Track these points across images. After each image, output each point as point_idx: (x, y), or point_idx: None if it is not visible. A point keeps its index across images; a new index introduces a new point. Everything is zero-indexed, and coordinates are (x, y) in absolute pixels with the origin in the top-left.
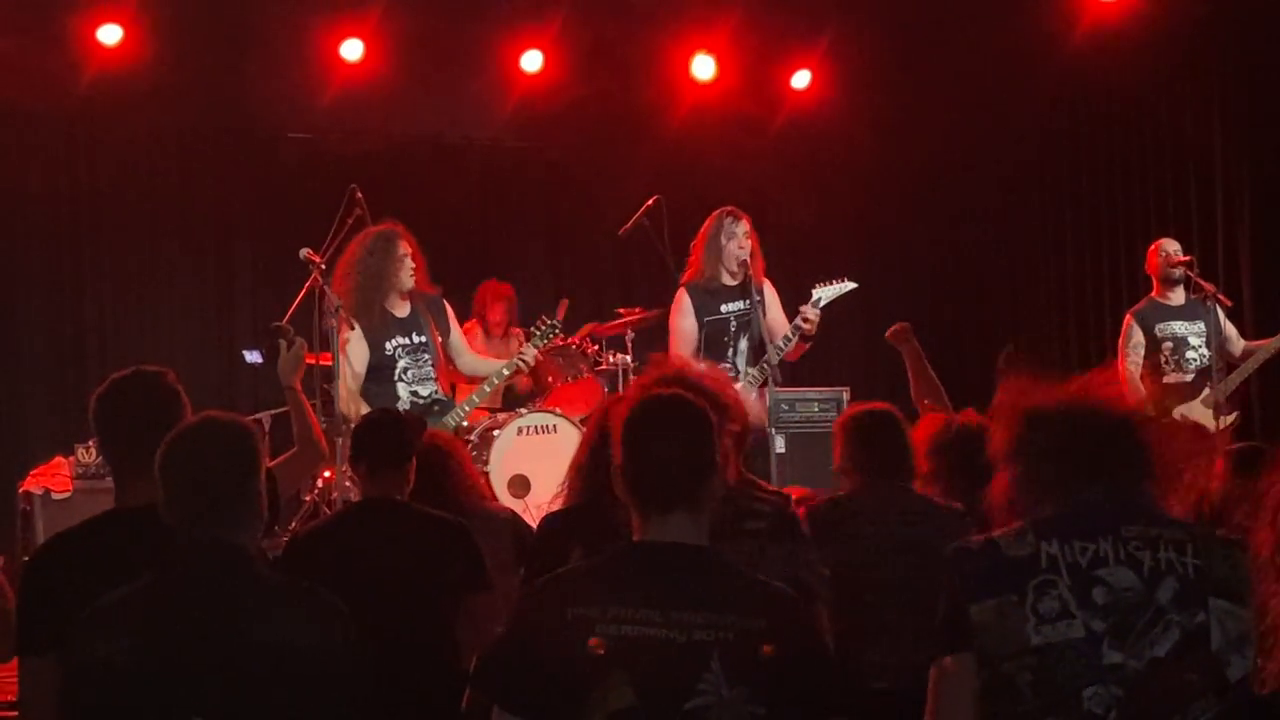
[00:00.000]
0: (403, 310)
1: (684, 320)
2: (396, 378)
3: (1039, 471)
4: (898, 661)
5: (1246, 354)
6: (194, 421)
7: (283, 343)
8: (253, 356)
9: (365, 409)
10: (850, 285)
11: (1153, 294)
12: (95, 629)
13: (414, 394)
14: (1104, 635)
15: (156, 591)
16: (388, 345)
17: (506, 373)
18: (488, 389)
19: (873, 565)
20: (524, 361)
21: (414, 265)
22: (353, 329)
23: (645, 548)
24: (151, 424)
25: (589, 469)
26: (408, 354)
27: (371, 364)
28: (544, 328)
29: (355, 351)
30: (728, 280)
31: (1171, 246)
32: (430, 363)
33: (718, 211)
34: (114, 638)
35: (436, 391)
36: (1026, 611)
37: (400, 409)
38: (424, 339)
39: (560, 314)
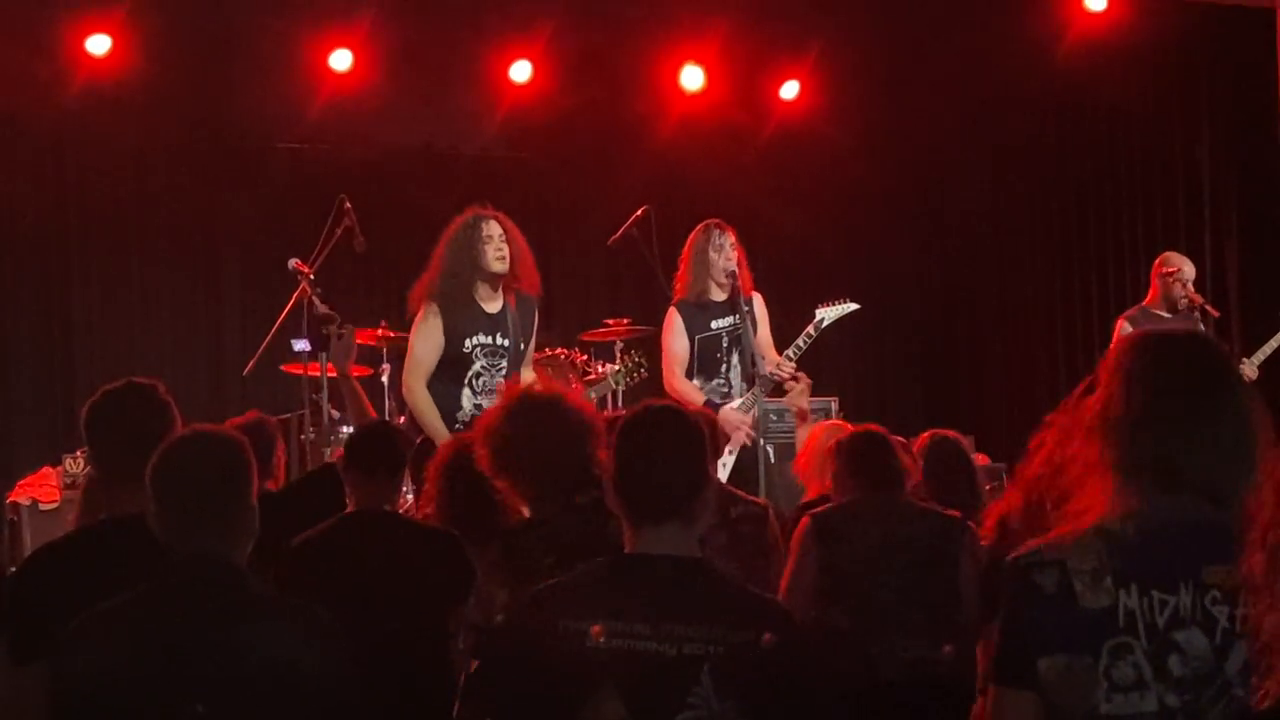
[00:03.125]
0: (493, 305)
1: (676, 341)
2: (467, 381)
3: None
4: (903, 655)
5: None
6: (186, 435)
7: (333, 330)
8: (300, 345)
9: (427, 405)
10: (853, 306)
11: (1145, 302)
12: (84, 639)
13: (478, 406)
14: (1177, 712)
15: (146, 604)
16: (467, 342)
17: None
18: None
19: (875, 563)
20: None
21: (504, 249)
22: (430, 314)
23: (638, 560)
24: (143, 434)
25: None
26: (486, 355)
27: (445, 357)
28: (630, 364)
29: (428, 338)
30: (717, 294)
31: (1189, 274)
32: (505, 372)
33: (703, 224)
34: (103, 649)
35: None
36: (1099, 676)
37: (461, 419)
38: (507, 342)
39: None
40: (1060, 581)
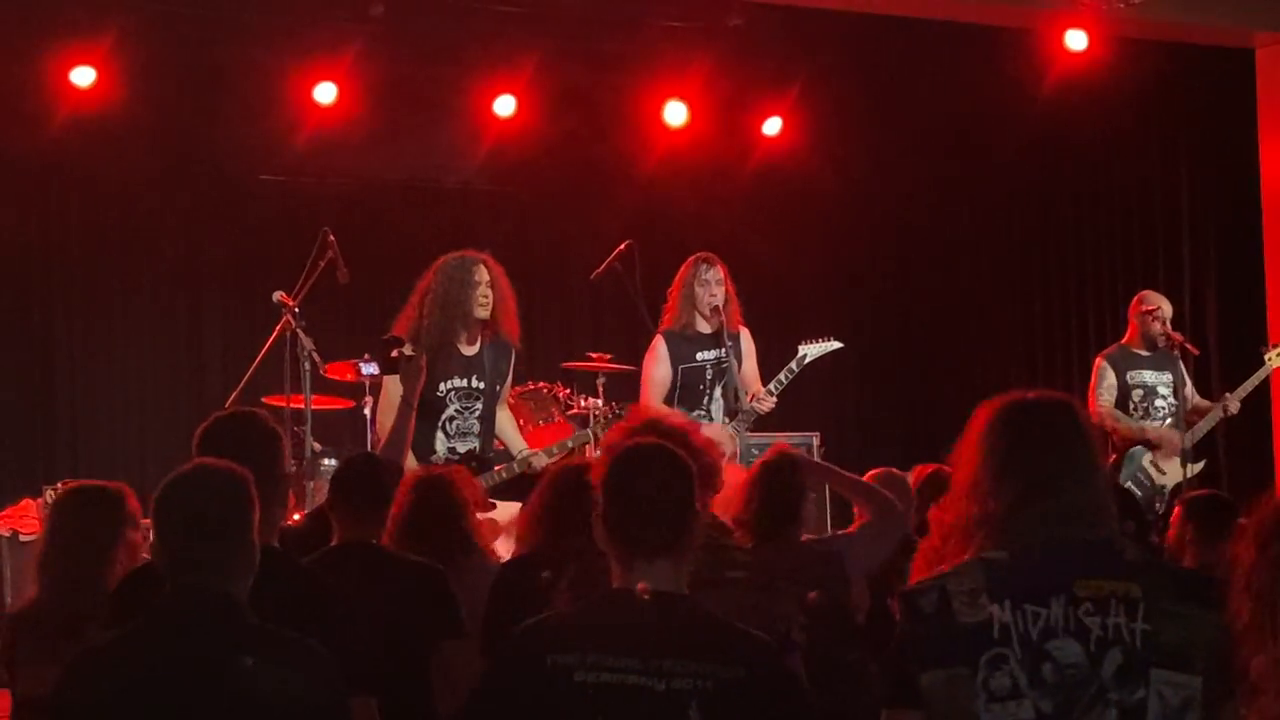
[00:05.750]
0: (470, 348)
1: (658, 368)
2: (440, 425)
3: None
4: None
5: (1194, 414)
6: (188, 469)
7: (401, 353)
8: (369, 369)
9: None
10: (836, 344)
11: (1124, 340)
12: (82, 673)
13: (451, 450)
14: (1052, 717)
15: (144, 638)
16: (442, 385)
17: (557, 453)
18: (536, 464)
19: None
20: (566, 449)
21: (489, 295)
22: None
23: (627, 595)
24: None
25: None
26: (460, 399)
27: (420, 399)
28: (611, 415)
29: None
30: (703, 327)
31: (1167, 313)
32: (478, 414)
33: (693, 257)
34: (99, 683)
35: (476, 450)
36: (977, 687)
37: (434, 463)
38: (482, 385)
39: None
40: (939, 602)
